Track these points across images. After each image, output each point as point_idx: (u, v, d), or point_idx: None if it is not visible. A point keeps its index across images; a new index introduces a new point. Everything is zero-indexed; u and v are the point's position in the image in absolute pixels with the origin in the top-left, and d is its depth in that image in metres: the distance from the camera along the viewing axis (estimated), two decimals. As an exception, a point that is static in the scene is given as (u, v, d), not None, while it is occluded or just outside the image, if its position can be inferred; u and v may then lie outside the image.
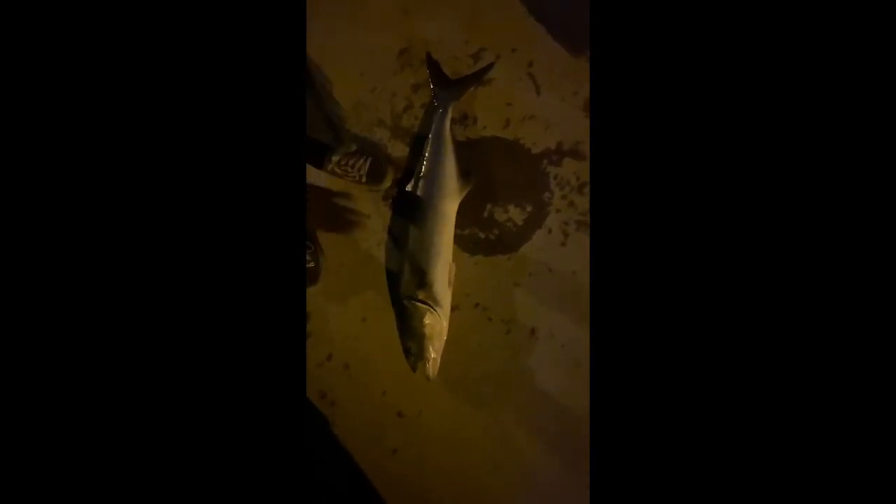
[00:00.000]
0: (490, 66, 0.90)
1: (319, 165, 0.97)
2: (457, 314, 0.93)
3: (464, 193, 0.90)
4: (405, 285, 0.89)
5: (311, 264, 1.08)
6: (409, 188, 0.91)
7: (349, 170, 0.95)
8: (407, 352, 0.90)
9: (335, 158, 0.96)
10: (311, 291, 1.02)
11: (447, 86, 0.92)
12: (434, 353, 0.89)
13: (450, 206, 0.89)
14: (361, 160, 0.95)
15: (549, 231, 0.88)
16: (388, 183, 0.95)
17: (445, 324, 0.90)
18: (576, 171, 0.86)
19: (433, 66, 0.93)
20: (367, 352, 1.02)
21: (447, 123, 0.89)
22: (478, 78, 0.91)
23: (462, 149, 0.90)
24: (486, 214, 0.92)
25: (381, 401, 1.01)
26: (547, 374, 0.88)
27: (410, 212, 0.89)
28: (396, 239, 0.94)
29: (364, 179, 0.94)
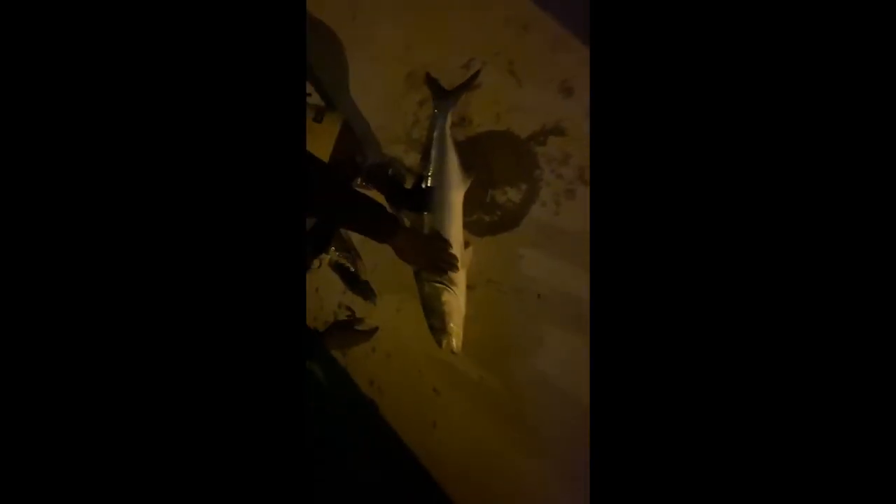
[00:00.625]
0: (476, 73, 1.04)
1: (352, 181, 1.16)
2: (474, 292, 1.03)
3: (468, 184, 1.01)
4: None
5: (352, 269, 1.25)
6: (421, 186, 1.05)
7: (375, 182, 1.13)
8: (432, 329, 1.01)
9: (360, 178, 1.15)
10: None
11: (444, 96, 1.06)
12: (455, 327, 0.99)
13: (457, 197, 1.01)
14: (383, 173, 1.12)
15: (544, 203, 0.96)
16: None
17: (462, 300, 0.99)
18: (559, 146, 0.94)
19: (432, 82, 1.09)
20: (404, 339, 1.14)
21: (447, 127, 1.03)
22: (468, 85, 1.04)
23: (462, 147, 1.03)
24: (488, 199, 1.03)
25: (419, 380, 1.12)
26: (555, 332, 0.94)
27: (424, 206, 1.02)
28: (417, 223, 1.06)
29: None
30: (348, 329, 1.06)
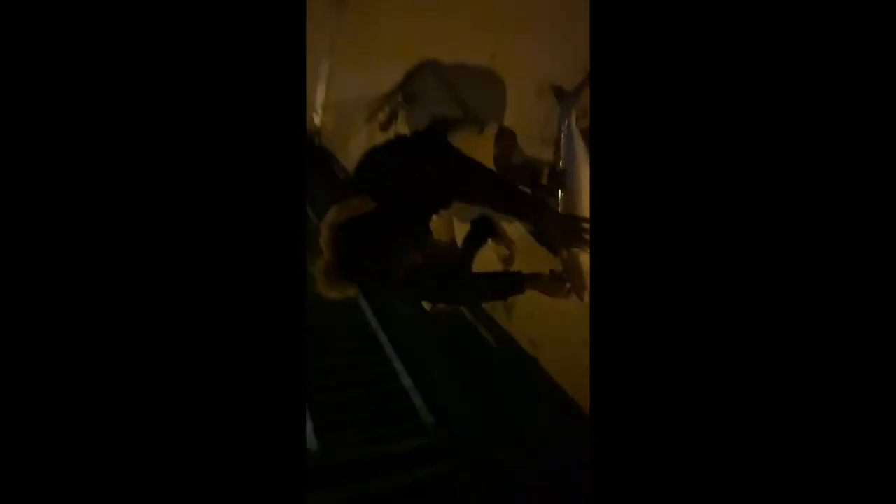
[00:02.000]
0: (587, 77, 1.24)
1: None
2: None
3: (594, 165, 1.20)
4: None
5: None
6: (555, 173, 1.27)
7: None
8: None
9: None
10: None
11: (567, 96, 1.29)
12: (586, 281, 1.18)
13: (587, 176, 1.19)
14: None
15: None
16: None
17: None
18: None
19: (555, 88, 1.33)
20: (557, 303, 1.36)
21: (572, 120, 1.25)
22: (584, 84, 1.25)
23: (587, 134, 1.23)
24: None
25: (572, 334, 1.31)
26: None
27: (562, 188, 1.23)
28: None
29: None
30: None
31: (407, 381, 1.67)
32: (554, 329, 1.37)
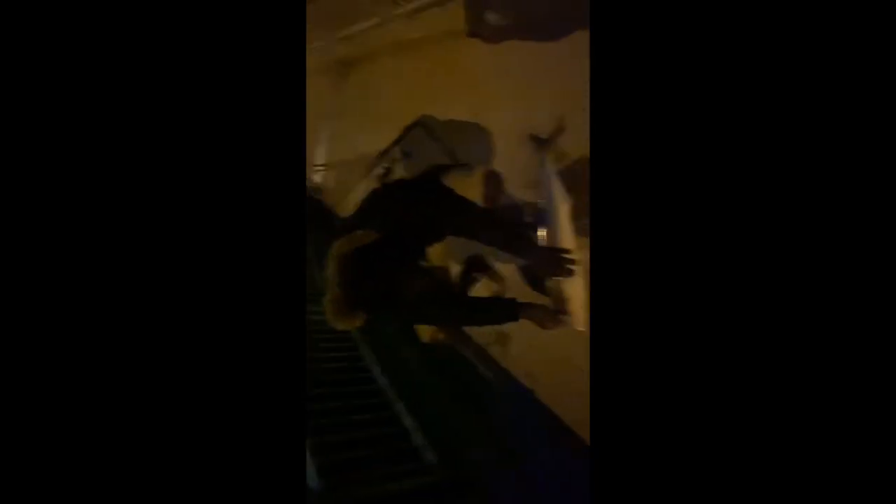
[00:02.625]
0: (561, 122, 1.39)
1: None
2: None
3: (572, 200, 1.32)
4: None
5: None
6: (538, 210, 1.39)
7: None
8: (557, 314, 1.28)
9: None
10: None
11: (543, 143, 1.43)
12: (578, 309, 1.25)
13: (565, 211, 1.31)
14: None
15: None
16: None
17: (582, 287, 1.25)
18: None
19: (532, 137, 1.48)
20: (550, 334, 1.42)
21: (548, 164, 1.38)
22: (557, 132, 1.40)
23: (562, 175, 1.36)
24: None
25: (569, 363, 1.36)
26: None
27: (541, 225, 1.34)
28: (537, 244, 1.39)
29: None
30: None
31: (409, 420, 1.69)
32: (549, 361, 1.42)
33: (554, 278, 1.27)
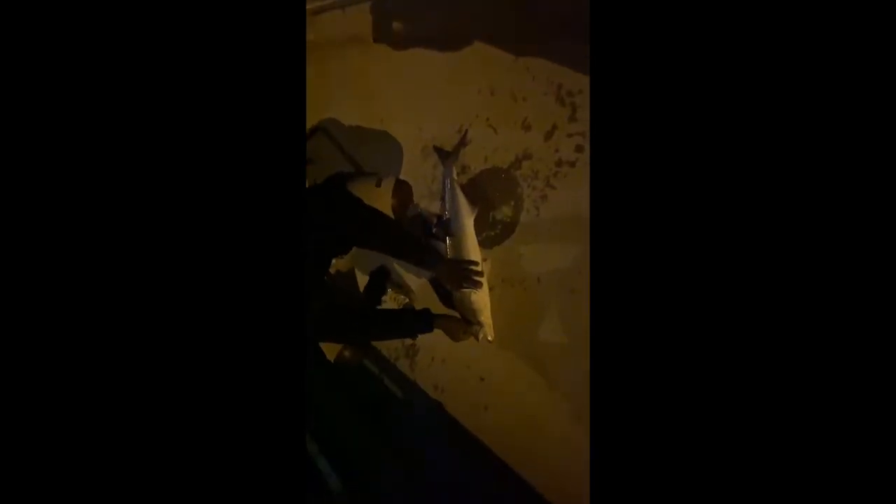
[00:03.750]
0: (465, 134, 1.41)
1: None
2: (494, 292, 1.30)
3: (475, 213, 1.33)
4: (453, 282, 1.31)
5: (406, 301, 1.58)
6: (442, 223, 1.38)
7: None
8: (468, 325, 1.29)
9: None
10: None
11: (447, 156, 1.43)
12: (486, 320, 1.26)
13: (469, 224, 1.33)
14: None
15: (527, 210, 1.26)
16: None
17: (488, 299, 1.27)
18: (529, 167, 1.26)
19: (437, 149, 1.48)
20: (454, 346, 1.42)
21: (453, 176, 1.38)
22: (461, 143, 1.41)
23: (466, 187, 1.38)
24: (490, 219, 1.34)
25: (468, 373, 1.37)
26: (552, 308, 1.18)
27: (449, 236, 1.34)
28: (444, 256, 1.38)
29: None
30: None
31: (312, 446, 1.58)
32: (455, 371, 1.42)
33: (462, 290, 1.28)
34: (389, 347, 1.64)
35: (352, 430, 1.60)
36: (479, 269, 1.26)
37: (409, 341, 1.57)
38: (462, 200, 1.35)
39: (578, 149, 1.18)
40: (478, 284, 1.24)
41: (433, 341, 1.41)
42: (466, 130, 1.40)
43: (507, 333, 1.28)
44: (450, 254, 1.32)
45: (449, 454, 1.38)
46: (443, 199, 1.38)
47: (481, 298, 1.27)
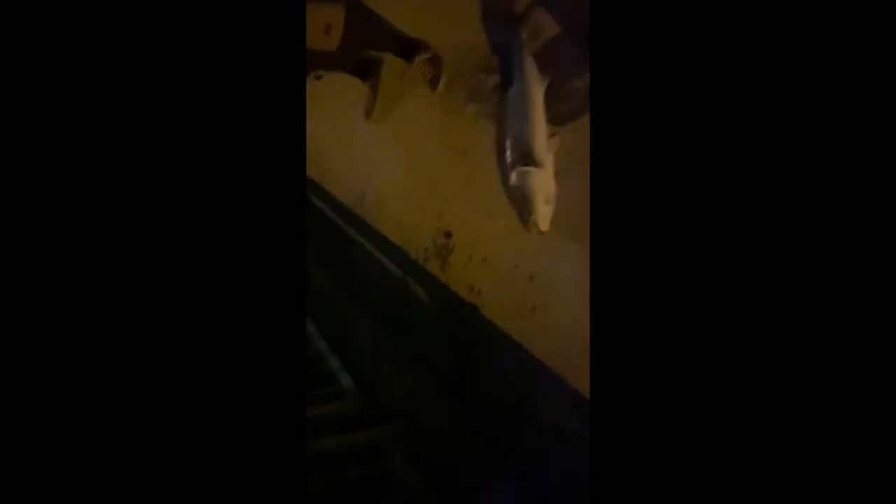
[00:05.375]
0: None
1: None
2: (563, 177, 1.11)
3: (546, 83, 1.12)
4: (511, 161, 1.12)
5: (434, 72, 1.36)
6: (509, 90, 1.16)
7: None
8: (521, 215, 1.10)
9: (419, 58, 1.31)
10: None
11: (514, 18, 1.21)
12: (543, 207, 1.07)
13: (538, 96, 1.12)
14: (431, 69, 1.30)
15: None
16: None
17: (551, 180, 1.08)
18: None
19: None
20: (497, 241, 1.24)
21: (523, 40, 1.17)
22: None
23: (537, 55, 1.16)
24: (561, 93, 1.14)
25: (515, 272, 1.20)
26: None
27: (512, 106, 1.14)
28: (501, 129, 1.18)
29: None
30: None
31: (322, 344, 1.44)
32: (495, 271, 1.25)
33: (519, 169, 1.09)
34: (418, 247, 1.46)
35: (365, 331, 1.44)
36: (543, 145, 1.06)
37: (441, 238, 1.39)
38: (532, 68, 1.13)
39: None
40: (537, 163, 1.05)
41: (472, 237, 1.24)
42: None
43: (572, 223, 1.09)
44: (509, 124, 1.11)
45: (476, 359, 1.24)
46: (507, 66, 1.17)
47: (540, 181, 1.08)
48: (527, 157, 1.08)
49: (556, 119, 1.14)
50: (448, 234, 1.40)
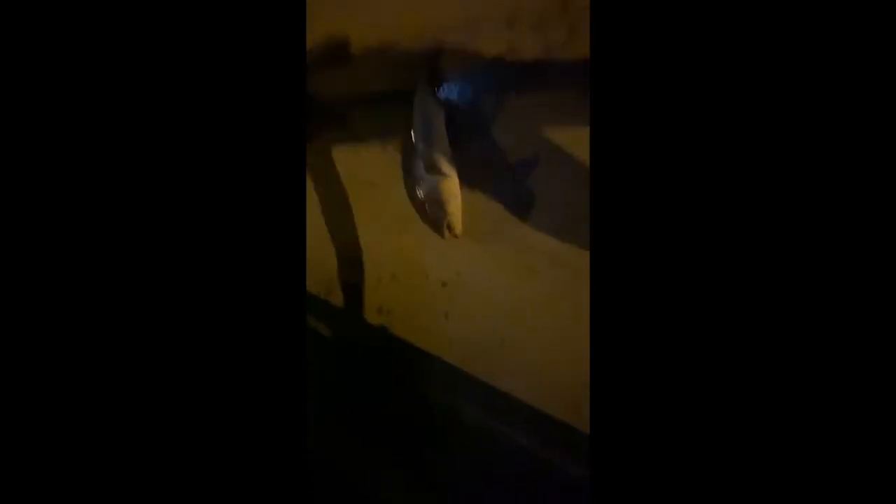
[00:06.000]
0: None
1: None
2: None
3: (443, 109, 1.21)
4: (417, 171, 1.15)
5: None
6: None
7: None
8: (434, 222, 1.11)
9: None
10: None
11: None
12: (455, 210, 1.10)
13: (440, 118, 1.18)
14: None
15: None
16: None
17: (457, 188, 1.12)
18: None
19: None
20: (407, 256, 1.21)
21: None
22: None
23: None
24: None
25: (427, 281, 1.15)
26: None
27: (417, 131, 1.19)
28: (408, 153, 1.22)
29: None
30: None
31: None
32: (405, 286, 1.19)
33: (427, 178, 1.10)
34: (316, 281, 1.34)
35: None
36: (449, 157, 1.13)
37: (346, 267, 1.31)
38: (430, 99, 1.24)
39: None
40: (445, 173, 1.10)
41: (381, 258, 1.19)
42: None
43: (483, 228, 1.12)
44: (416, 151, 1.17)
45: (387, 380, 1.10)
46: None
47: (450, 186, 1.12)
48: (434, 168, 1.13)
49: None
50: (354, 261, 1.33)
